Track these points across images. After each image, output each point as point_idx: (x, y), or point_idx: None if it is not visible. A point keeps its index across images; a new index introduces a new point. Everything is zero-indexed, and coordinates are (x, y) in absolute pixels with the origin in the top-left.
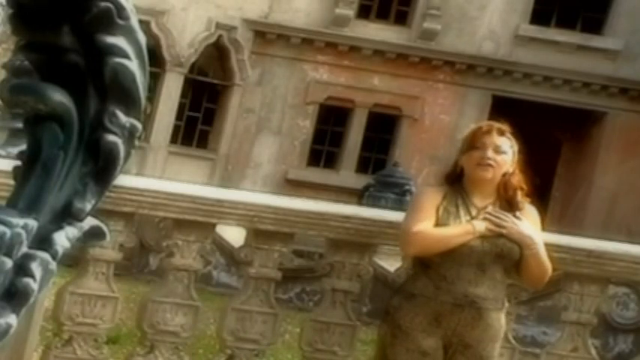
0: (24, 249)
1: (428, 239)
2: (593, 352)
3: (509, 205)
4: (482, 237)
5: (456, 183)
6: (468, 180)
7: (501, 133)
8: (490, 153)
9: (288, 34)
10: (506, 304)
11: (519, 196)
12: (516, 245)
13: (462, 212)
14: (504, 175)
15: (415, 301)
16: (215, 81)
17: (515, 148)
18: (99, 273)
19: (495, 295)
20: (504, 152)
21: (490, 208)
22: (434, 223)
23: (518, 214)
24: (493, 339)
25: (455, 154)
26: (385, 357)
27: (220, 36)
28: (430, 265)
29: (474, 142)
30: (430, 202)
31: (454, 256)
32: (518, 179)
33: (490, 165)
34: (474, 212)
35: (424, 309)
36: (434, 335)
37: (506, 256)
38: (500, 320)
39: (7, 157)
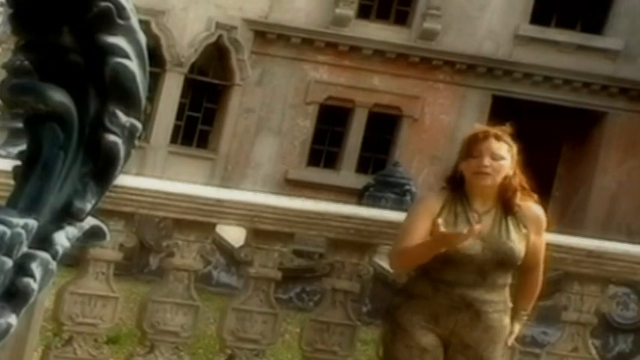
0: (24, 249)
1: (408, 259)
2: (593, 352)
3: (506, 207)
4: (483, 245)
5: (458, 188)
6: (469, 186)
7: (498, 138)
8: (487, 161)
9: (288, 34)
10: (510, 304)
11: (517, 197)
12: (517, 251)
13: (459, 221)
14: (505, 178)
15: (414, 301)
16: (215, 81)
17: (515, 150)
18: (99, 273)
19: (495, 298)
20: (502, 158)
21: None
22: (429, 232)
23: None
24: (494, 340)
25: (455, 155)
26: (387, 355)
27: (220, 36)
28: (429, 270)
29: (471, 150)
30: (426, 212)
31: (454, 263)
32: (519, 180)
33: (488, 173)
34: (473, 219)
35: (422, 308)
36: (432, 333)
37: (507, 263)
38: (501, 321)
39: (7, 157)
